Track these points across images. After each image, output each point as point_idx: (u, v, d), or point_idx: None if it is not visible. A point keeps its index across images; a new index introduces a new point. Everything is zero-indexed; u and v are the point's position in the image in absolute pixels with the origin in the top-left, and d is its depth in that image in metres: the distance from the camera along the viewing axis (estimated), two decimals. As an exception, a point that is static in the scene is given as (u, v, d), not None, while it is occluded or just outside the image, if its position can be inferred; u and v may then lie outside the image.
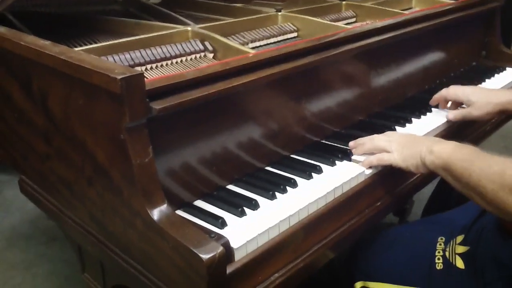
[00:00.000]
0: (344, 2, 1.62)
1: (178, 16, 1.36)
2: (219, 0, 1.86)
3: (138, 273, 0.82)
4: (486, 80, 1.51)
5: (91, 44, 1.21)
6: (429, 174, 0.97)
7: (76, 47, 1.15)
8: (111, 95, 0.70)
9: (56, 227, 1.41)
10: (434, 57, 1.50)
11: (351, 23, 1.57)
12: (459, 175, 0.84)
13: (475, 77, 1.52)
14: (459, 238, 0.99)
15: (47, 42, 0.85)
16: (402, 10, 1.73)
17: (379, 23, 1.25)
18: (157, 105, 0.73)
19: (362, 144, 1.02)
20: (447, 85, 1.44)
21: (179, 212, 0.84)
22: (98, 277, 1.07)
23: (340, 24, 1.34)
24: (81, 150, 0.84)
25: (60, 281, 1.82)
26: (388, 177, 1.01)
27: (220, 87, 0.82)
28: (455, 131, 1.22)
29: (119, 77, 0.67)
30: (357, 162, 1.00)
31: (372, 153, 1.00)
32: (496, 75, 1.57)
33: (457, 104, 1.24)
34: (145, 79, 0.72)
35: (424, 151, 0.92)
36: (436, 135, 1.18)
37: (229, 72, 0.86)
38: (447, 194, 1.32)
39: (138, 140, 0.73)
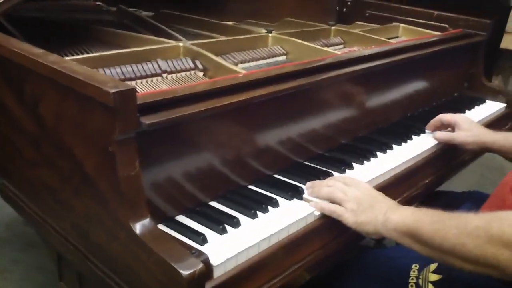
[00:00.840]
0: (333, 28, 1.67)
1: (170, 31, 1.38)
2: (211, 17, 1.90)
3: (116, 285, 0.82)
4: (466, 111, 1.56)
5: (83, 54, 1.22)
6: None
7: (68, 56, 1.17)
8: (103, 108, 0.71)
9: (33, 234, 1.41)
10: (418, 86, 1.54)
11: (339, 49, 1.61)
12: (429, 239, 0.81)
13: (456, 107, 1.56)
14: (432, 266, 1.02)
15: (42, 51, 0.86)
16: (388, 38, 1.79)
17: (366, 51, 1.28)
18: (147, 120, 0.75)
19: (319, 188, 0.97)
20: (429, 114, 1.50)
21: (161, 227, 0.85)
22: (75, 287, 1.07)
23: (328, 49, 1.38)
24: (69, 158, 0.85)
25: (33, 285, 1.80)
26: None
27: (210, 105, 0.84)
28: (433, 159, 1.26)
29: (112, 90, 0.68)
30: (307, 201, 0.95)
31: None
32: (476, 107, 1.62)
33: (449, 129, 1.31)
34: (137, 93, 0.74)
35: (380, 220, 0.89)
36: (417, 162, 1.22)
37: (219, 91, 0.88)
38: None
39: (126, 153, 0.74)
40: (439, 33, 1.72)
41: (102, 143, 0.75)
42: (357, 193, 0.93)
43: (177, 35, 1.33)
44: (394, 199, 0.98)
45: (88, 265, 0.89)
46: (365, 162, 1.14)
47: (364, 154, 1.16)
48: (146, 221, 0.76)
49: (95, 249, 0.87)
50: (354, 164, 1.12)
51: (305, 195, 0.98)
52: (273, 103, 1.00)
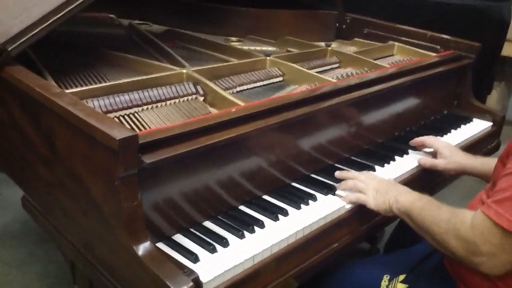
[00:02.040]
0: (329, 49, 1.77)
1: (175, 55, 1.50)
2: (217, 31, 2.02)
3: (120, 294, 0.96)
4: (452, 131, 1.66)
5: (96, 77, 1.35)
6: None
7: (83, 79, 1.30)
8: (109, 149, 0.84)
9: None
10: (407, 105, 1.64)
11: (335, 68, 1.72)
12: (416, 221, 1.06)
13: (443, 127, 1.67)
14: (401, 277, 1.15)
15: (58, 91, 0.99)
16: (384, 57, 1.89)
17: (364, 78, 1.39)
18: (148, 159, 0.87)
19: (346, 181, 1.22)
20: (416, 133, 1.60)
21: (160, 245, 0.98)
22: (86, 291, 1.22)
23: (320, 76, 1.47)
24: (78, 183, 0.98)
25: (50, 280, 1.95)
26: (342, 222, 1.15)
27: (203, 142, 0.97)
28: (416, 179, 1.37)
29: (118, 137, 0.81)
30: (340, 196, 1.19)
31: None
32: (462, 126, 1.72)
33: (433, 153, 1.42)
34: (138, 132, 0.87)
35: (392, 200, 1.13)
36: (400, 182, 1.33)
37: (212, 127, 1.00)
38: (403, 234, 1.47)
39: (129, 187, 0.86)
40: (432, 54, 1.82)
41: (107, 176, 0.88)
42: (375, 183, 1.18)
43: (181, 60, 1.45)
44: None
45: (96, 274, 1.03)
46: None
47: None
48: (147, 243, 0.89)
49: (101, 261, 1.00)
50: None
51: (337, 192, 1.21)
52: (260, 135, 1.11)
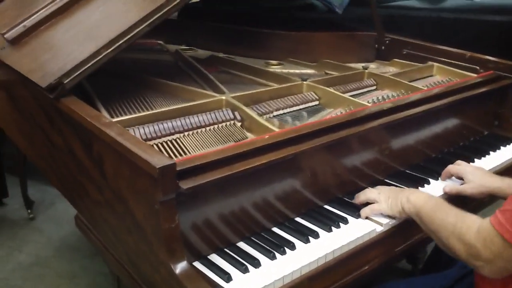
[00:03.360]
0: (366, 71, 1.81)
1: (216, 81, 1.59)
2: (259, 53, 2.10)
3: (159, 309, 1.04)
4: (491, 152, 1.66)
5: (143, 104, 1.46)
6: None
7: (132, 106, 1.41)
8: (150, 176, 0.93)
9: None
10: (444, 127, 1.65)
11: (372, 90, 1.75)
12: (425, 221, 1.12)
13: (481, 149, 1.66)
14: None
15: (108, 121, 1.09)
16: (423, 77, 1.91)
17: (387, 104, 1.42)
18: (185, 185, 0.95)
19: (358, 194, 1.29)
20: (453, 155, 1.61)
21: (196, 264, 1.05)
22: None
23: (359, 100, 1.51)
24: (124, 205, 1.07)
25: (98, 292, 2.08)
26: (373, 245, 1.19)
27: (237, 168, 1.04)
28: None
29: (158, 166, 0.90)
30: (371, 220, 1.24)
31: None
32: (502, 147, 1.70)
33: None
34: (175, 160, 0.95)
35: (403, 200, 1.19)
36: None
37: (246, 153, 1.07)
38: (439, 256, 1.48)
39: (168, 210, 0.95)
40: (471, 74, 1.82)
41: (149, 200, 0.96)
42: (386, 190, 1.25)
43: (221, 86, 1.53)
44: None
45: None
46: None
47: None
48: (183, 263, 0.97)
49: (143, 277, 1.09)
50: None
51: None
52: (293, 159, 1.17)
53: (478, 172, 1.37)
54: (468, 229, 1.00)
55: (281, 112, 1.50)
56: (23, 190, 2.49)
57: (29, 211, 2.55)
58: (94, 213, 1.26)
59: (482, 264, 0.98)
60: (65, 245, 2.37)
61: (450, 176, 1.43)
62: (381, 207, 1.22)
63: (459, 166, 1.41)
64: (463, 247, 1.00)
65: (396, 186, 1.39)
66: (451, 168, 1.42)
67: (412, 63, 2.00)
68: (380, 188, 1.27)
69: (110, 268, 1.33)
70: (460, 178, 1.41)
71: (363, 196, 1.27)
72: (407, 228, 1.24)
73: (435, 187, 1.41)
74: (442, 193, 1.38)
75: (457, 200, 1.38)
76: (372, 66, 2.07)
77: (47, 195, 2.71)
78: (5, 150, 2.52)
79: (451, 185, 1.39)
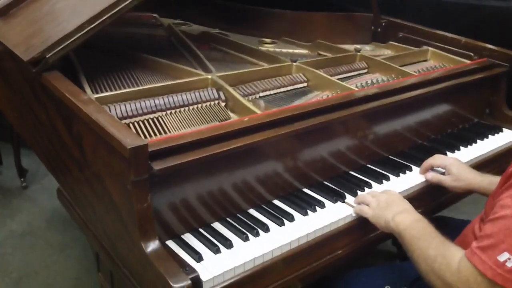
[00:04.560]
0: (358, 54, 1.80)
1: (204, 60, 1.58)
2: (254, 31, 2.08)
3: (132, 285, 1.06)
4: (478, 141, 1.65)
5: (130, 80, 1.45)
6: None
7: (118, 82, 1.42)
8: (122, 157, 0.93)
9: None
10: (432, 113, 1.64)
11: (362, 74, 1.74)
12: (406, 246, 1.07)
13: (468, 137, 1.66)
14: (401, 290, 1.18)
15: (86, 98, 1.09)
16: (418, 61, 1.89)
17: (373, 90, 1.41)
18: (157, 166, 0.96)
19: (357, 197, 1.26)
20: (440, 142, 1.61)
21: (170, 242, 1.07)
22: (108, 279, 1.33)
23: (346, 84, 1.50)
24: (102, 184, 1.08)
25: (89, 263, 2.10)
26: (348, 231, 1.20)
27: (212, 150, 1.04)
28: (425, 193, 1.39)
29: (129, 146, 0.90)
30: (348, 204, 1.25)
31: None
32: (490, 136, 1.69)
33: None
34: (148, 140, 0.95)
35: (388, 218, 1.13)
36: (410, 193, 1.35)
37: (222, 136, 1.08)
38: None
39: (140, 191, 0.95)
40: (465, 61, 1.80)
41: (123, 181, 0.97)
42: (382, 196, 1.19)
43: (209, 65, 1.53)
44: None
45: (114, 265, 1.13)
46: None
47: (360, 185, 1.32)
48: (154, 242, 0.98)
49: (119, 255, 1.11)
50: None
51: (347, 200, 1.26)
52: (272, 143, 1.18)
53: (461, 166, 1.36)
54: (448, 267, 0.94)
55: (267, 93, 1.50)
56: (16, 158, 2.51)
57: (22, 179, 2.58)
58: (75, 189, 1.28)
59: None
60: (57, 216, 2.40)
61: (430, 169, 1.41)
62: (368, 213, 1.18)
63: (442, 158, 1.39)
64: (443, 286, 0.95)
65: (379, 172, 1.40)
66: (432, 161, 1.39)
67: (408, 46, 1.98)
68: (378, 195, 1.21)
69: (90, 244, 1.35)
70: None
71: (361, 198, 1.23)
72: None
73: (418, 174, 1.42)
74: (423, 179, 1.38)
75: (437, 189, 1.39)
76: (368, 48, 2.05)
77: (42, 166, 2.71)
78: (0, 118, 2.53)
79: (434, 173, 1.39)
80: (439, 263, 0.95)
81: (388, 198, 1.19)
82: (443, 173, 1.38)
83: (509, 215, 0.87)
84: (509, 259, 0.84)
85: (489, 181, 1.28)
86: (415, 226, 1.07)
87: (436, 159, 1.39)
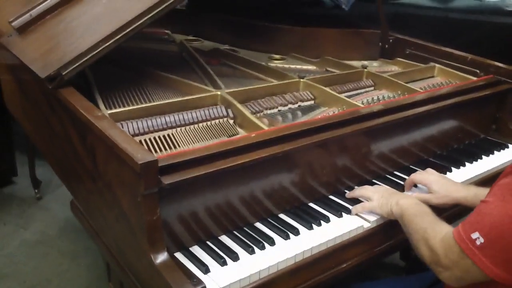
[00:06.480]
0: (365, 70, 1.83)
1: (214, 76, 1.62)
2: (263, 46, 2.12)
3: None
4: (483, 157, 1.67)
5: (142, 96, 1.50)
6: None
7: (130, 98, 1.46)
8: (133, 170, 0.97)
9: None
10: (438, 129, 1.66)
11: (369, 91, 1.77)
12: (405, 223, 1.18)
13: (474, 153, 1.68)
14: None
15: (99, 114, 1.14)
16: (424, 78, 1.92)
17: (378, 107, 1.44)
18: (166, 180, 1.00)
19: (353, 191, 1.35)
20: (445, 158, 1.63)
21: (178, 254, 1.10)
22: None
23: (352, 101, 1.53)
24: (113, 194, 1.12)
25: (100, 272, 2.14)
26: (352, 244, 1.22)
27: (219, 166, 1.08)
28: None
29: (140, 162, 0.94)
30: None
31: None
32: (495, 152, 1.71)
33: None
34: (158, 155, 0.99)
35: (393, 203, 1.24)
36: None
37: (229, 151, 1.11)
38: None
39: (150, 203, 0.99)
40: (471, 78, 1.83)
41: (133, 193, 1.01)
42: (381, 190, 1.32)
43: (218, 81, 1.57)
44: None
45: (125, 275, 1.17)
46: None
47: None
48: (163, 253, 1.02)
49: (129, 265, 1.15)
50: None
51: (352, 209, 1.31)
52: (278, 158, 1.21)
53: (443, 182, 1.36)
54: (435, 235, 1.05)
55: (275, 110, 1.54)
56: (31, 170, 2.57)
57: (36, 190, 2.64)
58: (88, 199, 1.32)
59: (441, 270, 1.02)
60: (69, 225, 2.45)
61: (413, 185, 1.43)
62: (372, 205, 1.27)
63: (423, 175, 1.39)
64: (428, 251, 1.05)
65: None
66: (414, 176, 1.41)
67: (415, 63, 2.01)
68: (377, 187, 1.32)
69: (101, 254, 1.39)
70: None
71: (358, 192, 1.33)
72: (389, 229, 1.28)
73: (416, 190, 1.44)
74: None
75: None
76: (375, 64, 2.09)
77: (55, 177, 2.77)
78: (17, 128, 2.60)
79: (418, 193, 1.38)
80: (428, 233, 1.07)
81: (388, 189, 1.34)
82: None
83: (489, 202, 0.98)
84: (478, 238, 0.95)
85: (475, 193, 1.28)
86: (415, 206, 1.19)
87: (416, 176, 1.40)
